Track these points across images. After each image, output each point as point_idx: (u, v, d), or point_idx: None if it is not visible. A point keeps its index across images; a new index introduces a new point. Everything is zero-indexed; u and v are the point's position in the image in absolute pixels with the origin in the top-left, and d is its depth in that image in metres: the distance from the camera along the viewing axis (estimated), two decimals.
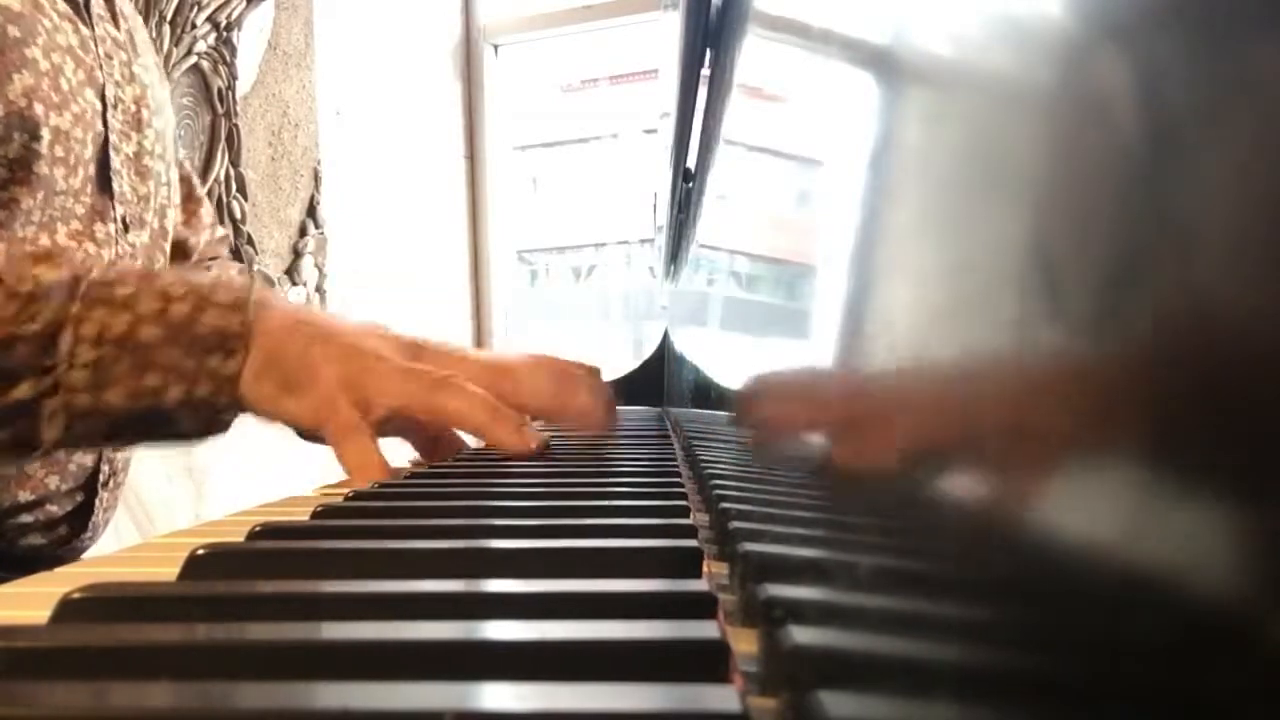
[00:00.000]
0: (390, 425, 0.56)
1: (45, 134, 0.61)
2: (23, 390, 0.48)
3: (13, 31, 0.60)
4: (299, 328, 0.53)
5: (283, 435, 0.78)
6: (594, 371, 0.62)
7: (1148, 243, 0.09)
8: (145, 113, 0.72)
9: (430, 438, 0.62)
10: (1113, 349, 0.09)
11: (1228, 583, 0.07)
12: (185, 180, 0.87)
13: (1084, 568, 0.09)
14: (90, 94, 0.66)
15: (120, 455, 0.74)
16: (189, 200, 0.87)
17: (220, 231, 0.91)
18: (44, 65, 0.62)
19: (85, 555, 0.72)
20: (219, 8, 1.54)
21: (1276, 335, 0.07)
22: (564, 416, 0.59)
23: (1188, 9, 0.08)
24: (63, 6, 0.65)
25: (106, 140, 0.67)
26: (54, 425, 0.49)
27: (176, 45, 1.48)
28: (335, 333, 0.53)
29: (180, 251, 0.84)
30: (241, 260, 1.61)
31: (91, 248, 0.66)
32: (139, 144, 0.71)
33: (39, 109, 0.61)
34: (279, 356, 0.51)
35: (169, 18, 1.47)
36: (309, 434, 0.73)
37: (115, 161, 0.68)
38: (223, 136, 1.56)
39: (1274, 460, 0.07)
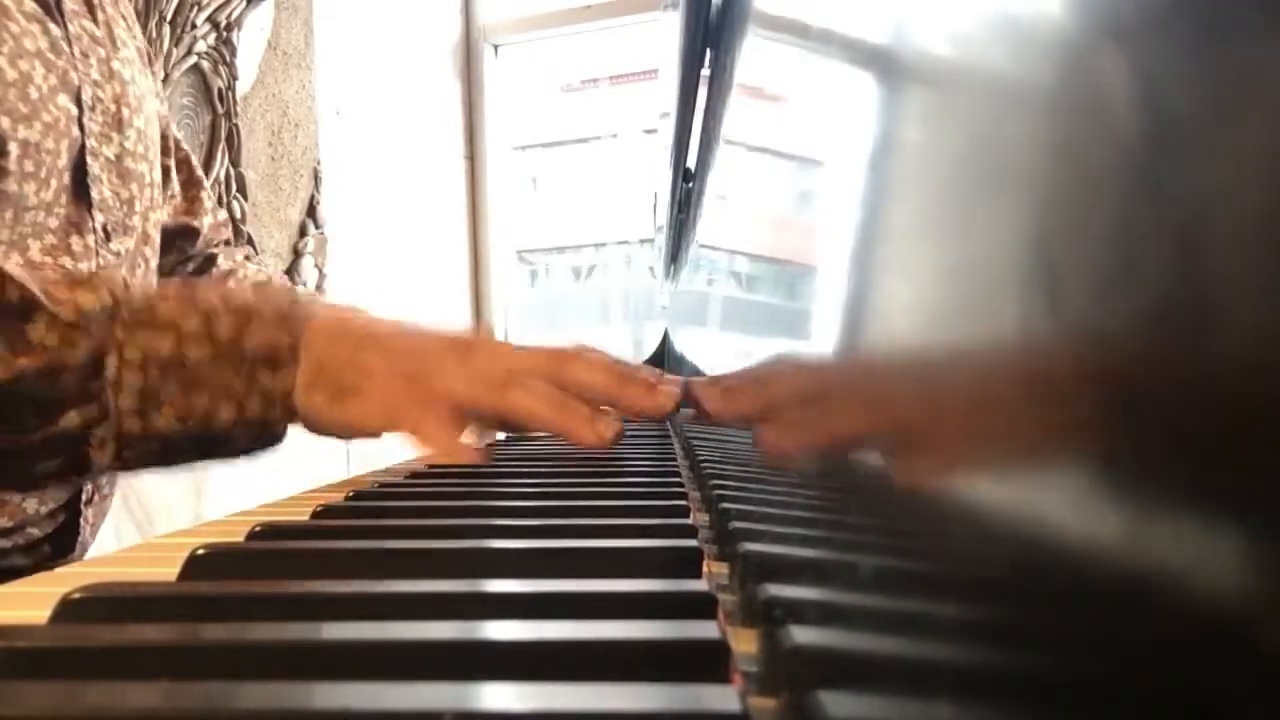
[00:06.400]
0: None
1: (13, 148, 0.58)
2: (70, 419, 0.47)
3: None
4: (346, 333, 0.51)
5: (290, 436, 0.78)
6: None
7: (1147, 243, 0.09)
8: (126, 111, 0.68)
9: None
10: (1112, 348, 0.09)
11: (1227, 582, 0.07)
12: (185, 163, 0.83)
13: (1083, 567, 0.09)
14: (64, 99, 0.62)
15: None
16: (190, 185, 0.83)
17: (222, 215, 0.87)
18: (10, 74, 0.58)
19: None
20: (219, 8, 1.54)
21: (1276, 334, 0.07)
22: (624, 399, 0.54)
23: (1188, 9, 0.08)
24: (30, 7, 0.61)
25: (83, 147, 0.63)
26: (105, 452, 0.48)
27: (176, 45, 1.48)
28: (384, 335, 0.51)
29: (186, 237, 0.82)
30: (251, 244, 1.60)
31: (68, 262, 0.62)
32: (120, 145, 0.68)
33: (4, 122, 0.57)
34: (329, 364, 0.50)
35: (169, 18, 1.47)
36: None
37: (94, 168, 0.64)
38: (223, 136, 1.56)
39: (1273, 459, 0.07)
